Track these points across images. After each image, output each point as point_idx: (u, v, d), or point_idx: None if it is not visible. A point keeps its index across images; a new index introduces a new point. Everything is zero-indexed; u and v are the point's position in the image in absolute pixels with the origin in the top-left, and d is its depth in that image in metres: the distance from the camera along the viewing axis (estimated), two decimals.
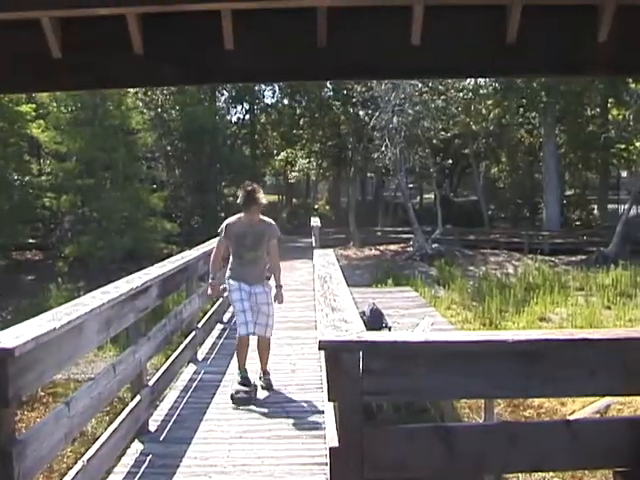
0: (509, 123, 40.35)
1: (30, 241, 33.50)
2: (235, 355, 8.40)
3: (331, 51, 3.58)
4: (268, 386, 8.37)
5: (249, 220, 8.04)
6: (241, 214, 8.17)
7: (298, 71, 3.90)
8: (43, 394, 14.23)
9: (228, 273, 8.35)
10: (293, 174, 49.63)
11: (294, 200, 55.86)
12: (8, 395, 3.53)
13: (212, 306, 12.55)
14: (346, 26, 3.57)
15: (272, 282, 8.50)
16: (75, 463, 5.06)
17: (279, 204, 54.29)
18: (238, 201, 8.05)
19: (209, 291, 8.81)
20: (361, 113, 39.53)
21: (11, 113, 29.81)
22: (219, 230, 8.37)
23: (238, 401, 7.78)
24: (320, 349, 3.57)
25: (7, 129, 30.22)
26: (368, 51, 3.60)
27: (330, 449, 3.66)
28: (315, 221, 25.12)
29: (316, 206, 51.24)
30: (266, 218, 8.27)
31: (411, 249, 34.96)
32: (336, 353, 3.52)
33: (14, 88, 4.66)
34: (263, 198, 8.01)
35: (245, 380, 8.11)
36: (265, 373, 8.47)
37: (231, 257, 8.33)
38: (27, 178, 31.61)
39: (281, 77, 4.46)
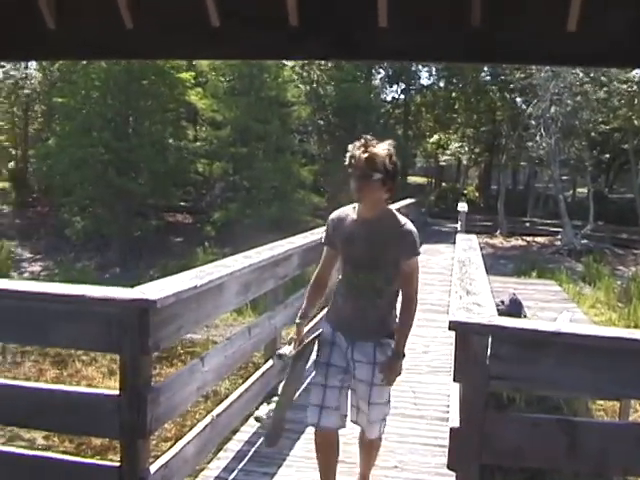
0: None
1: (181, 204, 34.67)
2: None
3: (484, 33, 3.53)
4: None
5: (361, 210, 4.35)
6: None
7: (451, 52, 3.86)
8: (182, 352, 14.81)
9: (327, 309, 4.76)
10: (444, 157, 49.24)
11: (443, 184, 55.45)
12: (148, 343, 3.72)
13: None
14: (501, 7, 3.52)
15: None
16: None
17: (428, 187, 54.08)
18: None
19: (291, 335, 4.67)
20: (518, 100, 38.70)
21: (172, 79, 30.82)
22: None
23: None
24: (450, 329, 3.59)
25: (167, 95, 31.27)
26: (522, 34, 3.54)
27: (451, 429, 3.68)
28: (462, 206, 24.85)
29: (465, 191, 50.63)
30: (400, 216, 4.38)
31: (559, 243, 34.07)
32: (465, 334, 3.54)
33: (172, 54, 4.84)
34: (384, 161, 4.23)
35: None
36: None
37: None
38: (183, 143, 32.58)
39: (433, 58, 4.42)
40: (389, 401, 4.54)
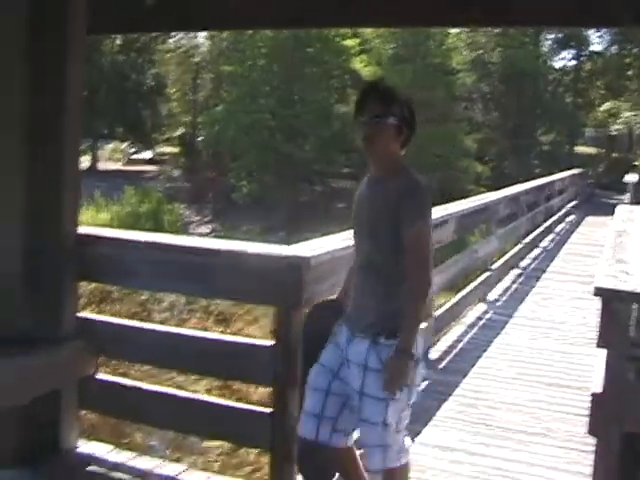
0: None
1: (346, 170, 34.99)
2: None
3: None
4: None
5: (372, 170, 3.58)
6: None
7: (610, 14, 3.65)
8: None
9: None
10: (615, 127, 47.30)
11: (614, 154, 53.32)
12: (301, 298, 3.90)
13: (512, 249, 12.57)
14: None
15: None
16: None
17: (598, 157, 52.20)
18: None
19: None
20: None
21: (336, 47, 31.08)
22: None
23: None
24: (595, 295, 3.60)
25: (332, 62, 31.57)
26: None
27: (592, 395, 3.68)
28: (631, 177, 23.83)
29: (636, 162, 48.48)
30: (413, 174, 3.40)
31: None
32: (610, 301, 3.53)
33: (315, 22, 4.93)
34: (401, 103, 3.37)
35: None
36: None
37: None
38: (347, 110, 32.83)
39: (588, 23, 4.25)
40: (394, 426, 3.26)
